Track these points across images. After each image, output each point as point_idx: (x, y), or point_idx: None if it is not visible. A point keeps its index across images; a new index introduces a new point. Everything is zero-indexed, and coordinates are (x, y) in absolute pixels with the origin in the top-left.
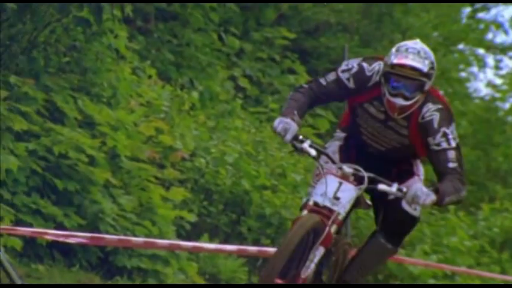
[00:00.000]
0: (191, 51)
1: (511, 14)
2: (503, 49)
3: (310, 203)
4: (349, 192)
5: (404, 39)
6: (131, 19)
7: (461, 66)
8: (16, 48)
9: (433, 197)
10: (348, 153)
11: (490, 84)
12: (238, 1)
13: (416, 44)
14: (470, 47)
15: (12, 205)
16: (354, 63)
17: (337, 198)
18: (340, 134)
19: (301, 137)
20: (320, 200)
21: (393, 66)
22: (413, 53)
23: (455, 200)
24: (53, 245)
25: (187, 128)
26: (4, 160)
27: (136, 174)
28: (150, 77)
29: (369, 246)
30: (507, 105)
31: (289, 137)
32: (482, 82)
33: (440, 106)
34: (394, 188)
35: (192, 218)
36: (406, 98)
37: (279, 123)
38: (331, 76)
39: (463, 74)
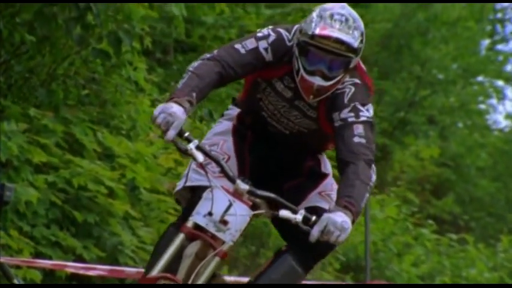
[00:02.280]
0: None
1: None
2: None
3: (189, 224)
4: (241, 217)
5: (423, 71)
6: (150, 51)
7: (481, 98)
8: (35, 81)
9: (348, 228)
10: (243, 135)
11: (509, 116)
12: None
13: (344, 8)
14: (489, 78)
15: (32, 237)
16: (270, 30)
17: (224, 223)
18: (232, 111)
19: (187, 133)
20: (203, 223)
21: (314, 36)
22: (340, 22)
23: (367, 197)
24: (73, 277)
25: None
26: (23, 192)
27: (155, 206)
28: None
29: (276, 266)
30: None
31: (171, 133)
32: (501, 114)
33: (357, 81)
34: (299, 217)
35: None
36: (325, 78)
37: (160, 112)
38: (250, 43)
39: (482, 106)
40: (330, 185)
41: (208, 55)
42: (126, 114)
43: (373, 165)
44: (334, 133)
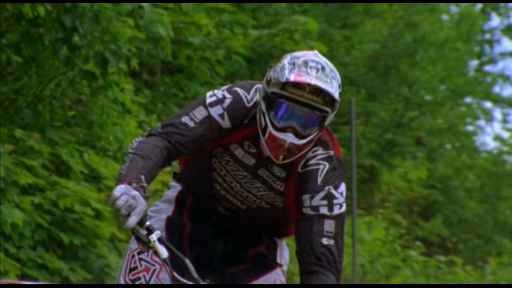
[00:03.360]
0: None
1: None
2: (511, 102)
3: None
4: None
5: (410, 92)
6: (137, 72)
7: (469, 120)
8: (21, 102)
9: None
10: (180, 227)
11: (497, 137)
12: (237, 1)
13: (317, 56)
14: (477, 100)
15: (18, 259)
16: (225, 92)
17: None
18: (172, 192)
19: (148, 223)
20: None
21: (286, 85)
22: (316, 69)
23: None
24: None
25: None
26: (9, 214)
27: None
28: None
29: None
30: None
31: (133, 220)
32: (489, 135)
33: (331, 153)
34: None
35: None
36: (298, 135)
37: (123, 193)
38: (200, 113)
39: (470, 128)
40: (282, 273)
41: (151, 131)
42: (112, 135)
43: (339, 275)
44: (299, 219)
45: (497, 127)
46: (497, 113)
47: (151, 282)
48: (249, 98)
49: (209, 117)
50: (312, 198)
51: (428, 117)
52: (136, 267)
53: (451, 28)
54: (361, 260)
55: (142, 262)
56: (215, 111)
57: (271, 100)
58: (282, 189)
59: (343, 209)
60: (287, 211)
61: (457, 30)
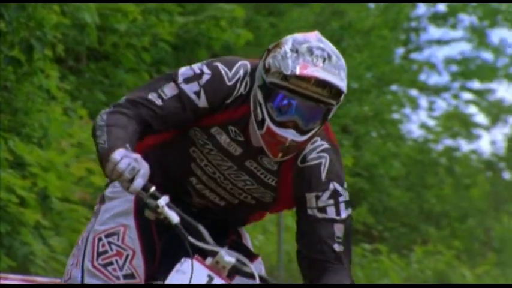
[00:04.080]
0: (123, 92)
1: (444, 55)
2: (437, 90)
3: None
4: None
5: None
6: (62, 59)
7: (395, 108)
8: None
9: None
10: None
11: (423, 125)
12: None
13: (322, 41)
14: (403, 88)
15: None
16: (204, 67)
17: None
18: None
19: (153, 188)
20: None
21: (289, 77)
22: (322, 58)
23: None
24: None
25: None
26: None
27: (67, 216)
28: (81, 117)
29: None
30: (440, 147)
31: (139, 183)
32: (415, 124)
33: (328, 145)
34: None
35: None
36: (299, 131)
37: (123, 156)
38: (170, 89)
39: (396, 116)
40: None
41: (114, 108)
42: (37, 122)
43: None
44: (304, 219)
45: (423, 115)
46: (423, 101)
47: (125, 269)
48: (230, 74)
49: (181, 95)
50: (317, 198)
51: (355, 104)
52: (106, 251)
53: (378, 16)
54: (287, 248)
55: (113, 246)
56: (190, 88)
57: (269, 91)
58: (273, 183)
59: (350, 210)
60: (275, 204)
61: (383, 17)
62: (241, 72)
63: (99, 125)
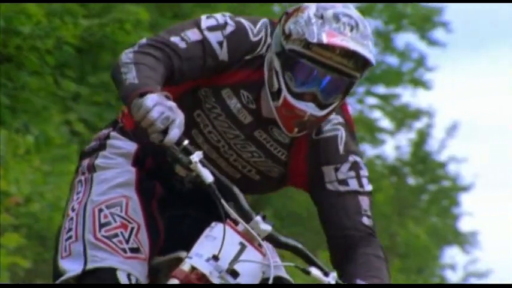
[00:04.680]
0: (26, 95)
1: None
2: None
3: (185, 267)
4: (253, 268)
5: None
6: None
7: None
8: None
9: None
10: (150, 189)
11: None
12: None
13: (349, 8)
14: None
15: None
16: (227, 18)
17: (234, 274)
18: (123, 144)
19: (187, 141)
20: (206, 269)
21: (313, 45)
22: (350, 26)
23: None
24: None
25: (22, 172)
26: None
27: None
28: None
29: None
30: None
31: (175, 133)
32: None
33: (342, 120)
34: (332, 281)
35: (27, 264)
36: (319, 104)
37: (156, 104)
38: (193, 34)
39: None
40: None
41: (140, 48)
42: None
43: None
44: (324, 196)
45: None
46: None
47: (131, 242)
48: (255, 30)
49: (204, 41)
50: (337, 170)
51: None
52: (109, 223)
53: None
54: None
55: (116, 217)
56: (214, 37)
57: (289, 59)
58: (283, 157)
59: (371, 185)
60: (285, 179)
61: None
62: (263, 32)
63: (124, 62)
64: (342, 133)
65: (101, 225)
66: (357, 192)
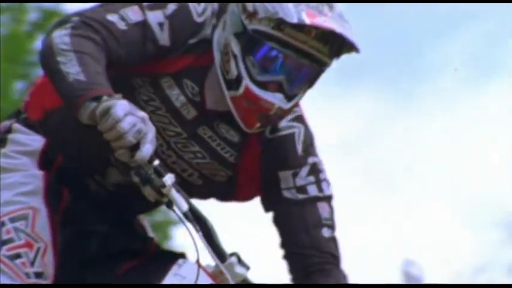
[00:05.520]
0: None
1: None
2: None
3: None
4: None
5: None
6: None
7: None
8: None
9: None
10: (57, 196)
11: None
12: None
13: None
14: None
15: None
16: None
17: None
18: (28, 139)
19: (158, 161)
20: None
21: (287, 27)
22: (328, 6)
23: None
24: None
25: None
26: None
27: None
28: None
29: None
30: None
31: (149, 150)
32: None
33: (300, 111)
34: None
35: None
36: (287, 96)
37: (127, 113)
38: (134, 14)
39: None
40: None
41: (74, 30)
42: None
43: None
44: (280, 206)
45: None
46: None
47: (36, 265)
48: (199, 9)
49: (145, 22)
50: (295, 175)
51: None
52: (12, 240)
53: None
54: None
55: (21, 234)
56: (154, 17)
57: (253, 41)
58: (232, 159)
59: (331, 188)
60: (234, 186)
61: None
62: (209, 10)
63: (60, 48)
64: (299, 130)
65: (3, 243)
66: (317, 199)
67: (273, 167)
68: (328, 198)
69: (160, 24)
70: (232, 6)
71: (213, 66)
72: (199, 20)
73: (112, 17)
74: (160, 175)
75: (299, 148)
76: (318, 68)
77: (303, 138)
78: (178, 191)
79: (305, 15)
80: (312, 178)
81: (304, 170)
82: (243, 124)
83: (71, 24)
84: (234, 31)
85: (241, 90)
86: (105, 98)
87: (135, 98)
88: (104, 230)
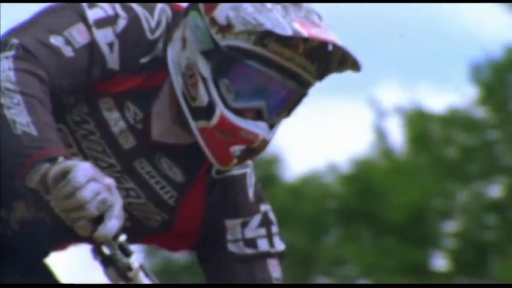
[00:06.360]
0: None
1: None
2: None
3: None
4: None
5: None
6: None
7: None
8: None
9: None
10: None
11: None
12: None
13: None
14: None
15: None
16: (117, 7)
17: None
18: None
19: (124, 237)
20: None
21: (271, 42)
22: (316, 14)
23: None
24: None
25: None
26: None
27: None
28: None
29: None
30: None
31: (114, 225)
32: None
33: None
34: None
35: None
36: (268, 125)
37: (90, 180)
38: (80, 35)
39: None
40: None
41: (17, 63)
42: None
43: None
44: (220, 262)
45: None
46: None
47: None
48: (152, 23)
49: (93, 44)
50: (244, 225)
51: None
52: None
53: None
54: None
55: None
56: (103, 37)
57: (227, 60)
58: (172, 201)
59: (283, 244)
60: (157, 237)
61: None
62: (164, 23)
63: (5, 87)
64: (250, 170)
65: None
66: (267, 255)
67: (219, 214)
68: (280, 255)
69: (110, 45)
70: (194, 19)
71: (163, 88)
72: (152, 37)
73: (57, 41)
74: (127, 254)
75: (250, 193)
76: (301, 91)
77: (254, 180)
78: (147, 275)
79: (299, 25)
80: (263, 230)
81: (256, 220)
82: (216, 161)
83: (12, 52)
84: (201, 49)
85: (215, 119)
86: (60, 159)
87: (63, 119)
88: (12, 277)
